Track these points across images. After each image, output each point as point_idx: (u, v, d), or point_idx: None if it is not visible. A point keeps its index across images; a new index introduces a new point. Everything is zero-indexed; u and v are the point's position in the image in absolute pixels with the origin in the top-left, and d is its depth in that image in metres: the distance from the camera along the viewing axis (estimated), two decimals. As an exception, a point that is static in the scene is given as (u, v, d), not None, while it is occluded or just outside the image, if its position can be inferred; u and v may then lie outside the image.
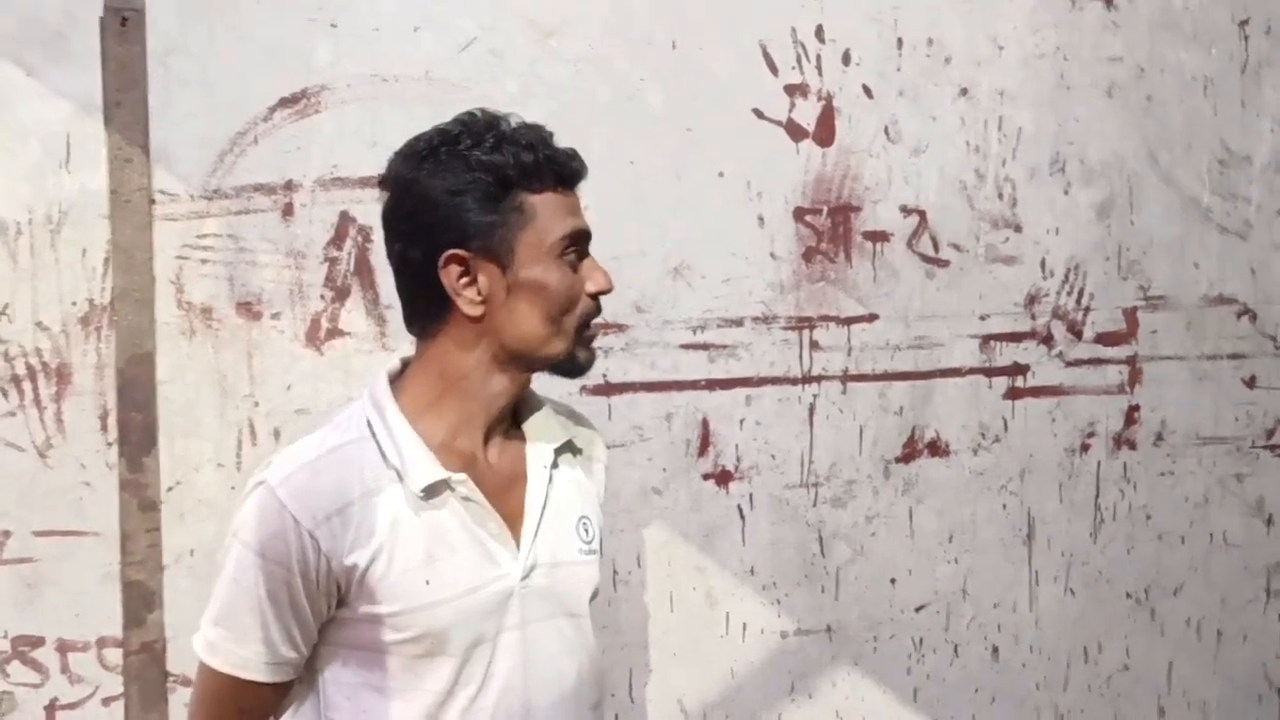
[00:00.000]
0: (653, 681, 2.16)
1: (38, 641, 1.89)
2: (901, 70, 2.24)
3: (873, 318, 2.25)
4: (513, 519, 1.35)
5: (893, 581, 2.29)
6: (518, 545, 1.34)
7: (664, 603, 2.16)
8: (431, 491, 1.29)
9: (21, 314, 1.86)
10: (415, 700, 1.30)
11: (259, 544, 1.26)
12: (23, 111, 1.84)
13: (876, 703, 2.29)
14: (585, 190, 1.93)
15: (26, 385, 1.87)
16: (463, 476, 1.31)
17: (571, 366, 1.36)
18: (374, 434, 1.31)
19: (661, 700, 2.17)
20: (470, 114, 1.34)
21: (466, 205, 1.29)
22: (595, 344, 1.97)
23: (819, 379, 2.23)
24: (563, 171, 1.33)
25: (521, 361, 1.34)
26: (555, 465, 1.41)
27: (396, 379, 1.37)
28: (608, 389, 2.10)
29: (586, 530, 1.43)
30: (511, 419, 1.42)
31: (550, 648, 1.36)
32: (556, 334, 1.33)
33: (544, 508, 1.37)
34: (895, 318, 2.26)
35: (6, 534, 1.87)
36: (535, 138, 1.32)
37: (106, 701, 1.91)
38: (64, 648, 1.90)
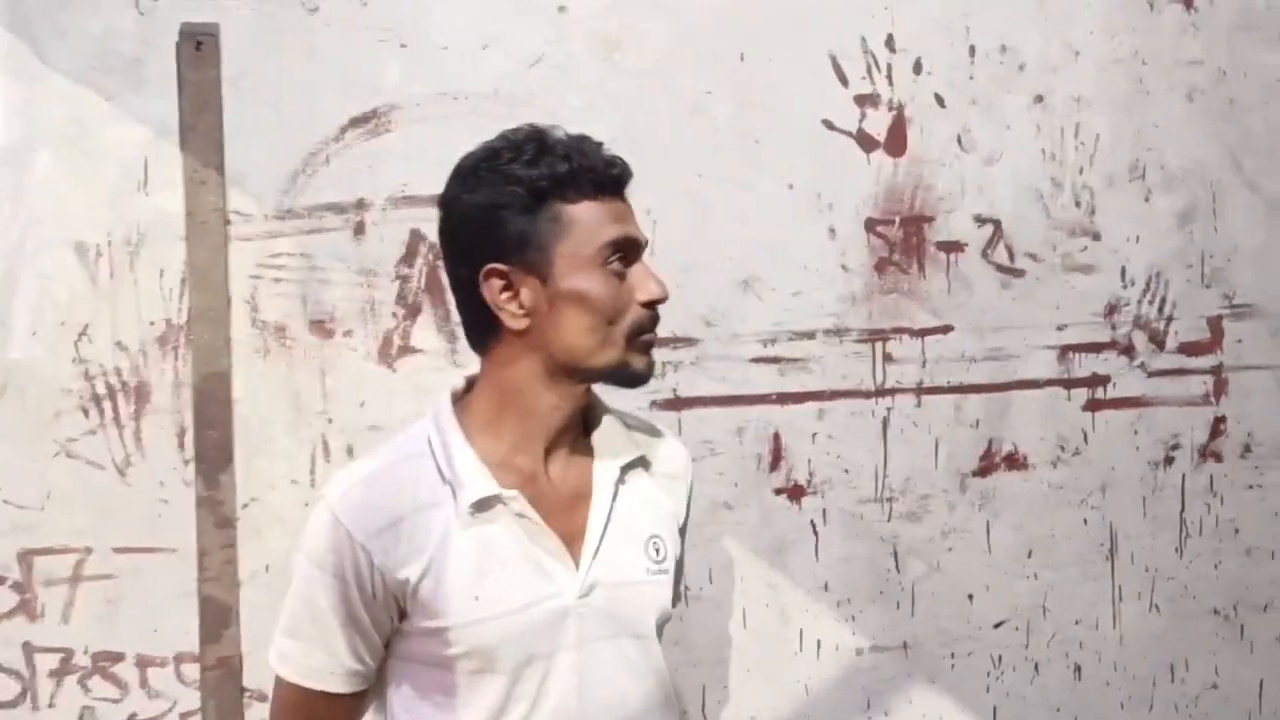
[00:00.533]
0: (726, 698, 2.15)
1: (117, 657, 1.93)
2: (974, 78, 2.21)
3: (947, 329, 2.22)
4: (574, 536, 1.34)
5: (970, 598, 2.24)
6: (577, 563, 1.33)
7: (736, 619, 2.15)
8: (482, 507, 1.30)
9: (101, 334, 1.90)
10: (468, 716, 1.31)
11: (319, 557, 1.30)
12: (101, 136, 1.88)
13: (955, 721, 2.26)
14: (653, 203, 1.94)
15: (106, 404, 1.91)
16: (514, 493, 1.30)
17: (627, 376, 1.34)
18: (432, 451, 1.32)
19: (735, 718, 2.15)
20: (518, 129, 1.34)
21: (503, 219, 1.29)
22: (666, 358, 1.98)
23: (892, 392, 2.20)
24: (601, 179, 1.31)
25: (574, 373, 1.33)
26: (623, 481, 1.40)
27: (461, 397, 1.39)
28: (677, 403, 2.09)
29: (657, 550, 1.41)
30: (583, 433, 1.42)
31: (610, 669, 1.34)
32: (604, 343, 1.31)
33: (606, 525, 1.36)
34: (970, 329, 2.22)
35: (87, 550, 1.91)
36: (573, 147, 1.31)
37: (184, 716, 1.94)
38: (143, 663, 1.93)
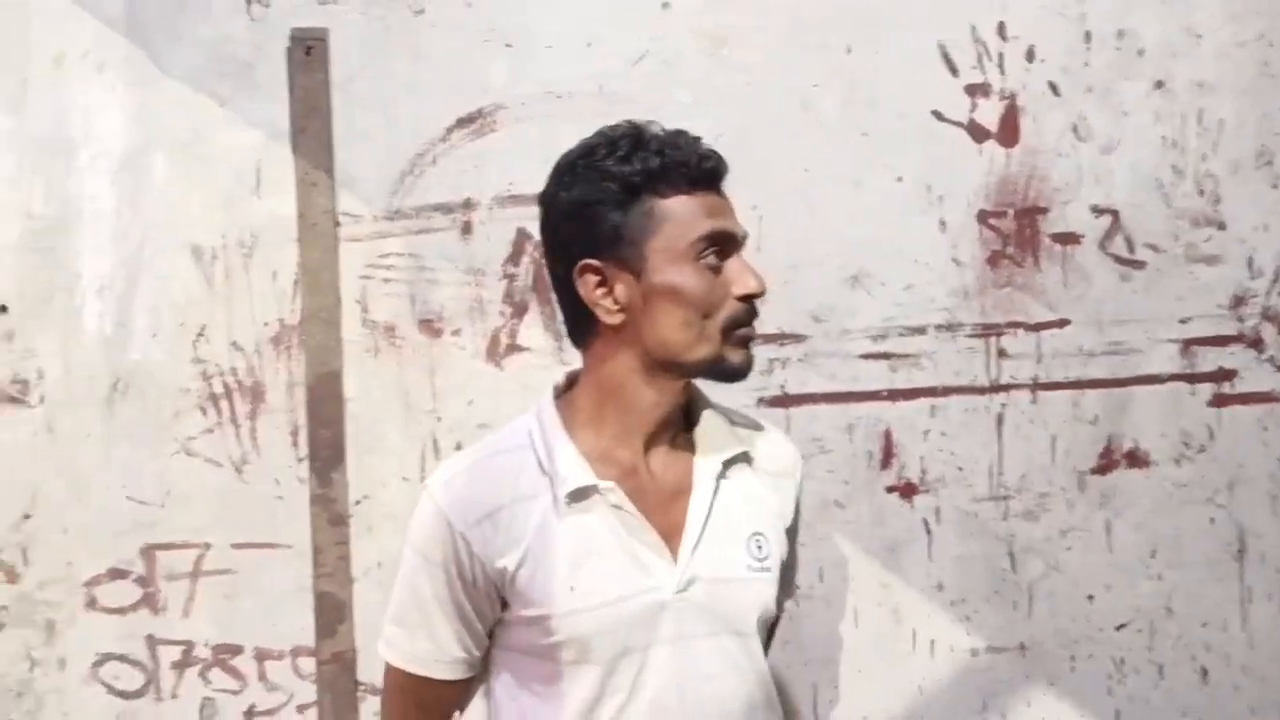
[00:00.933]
0: (837, 699, 2.12)
1: (236, 650, 1.97)
2: (1089, 65, 2.15)
3: (1063, 323, 2.16)
4: (674, 531, 1.33)
5: (1090, 598, 2.18)
6: (676, 558, 1.33)
7: (848, 619, 2.12)
8: (579, 497, 1.30)
9: (217, 335, 1.95)
10: (566, 706, 1.31)
11: (423, 547, 1.34)
12: (215, 141, 1.94)
13: (1075, 725, 2.20)
14: (760, 199, 1.92)
15: (224, 403, 1.96)
16: (611, 484, 1.31)
17: (723, 370, 1.33)
18: (533, 443, 1.33)
19: (846, 718, 2.12)
20: (616, 125, 1.34)
21: (597, 215, 1.30)
22: (774, 355, 1.96)
23: (1007, 388, 2.15)
24: (695, 173, 1.31)
25: (672, 368, 1.32)
26: (725, 477, 1.39)
27: (564, 392, 1.39)
28: (786, 400, 2.07)
29: (760, 547, 1.39)
30: (685, 429, 1.41)
31: (709, 666, 1.33)
32: (699, 338, 1.30)
33: (707, 520, 1.35)
34: (1087, 323, 2.16)
35: (207, 546, 1.96)
36: (668, 142, 1.31)
37: (301, 709, 1.98)
38: (261, 656, 1.98)
